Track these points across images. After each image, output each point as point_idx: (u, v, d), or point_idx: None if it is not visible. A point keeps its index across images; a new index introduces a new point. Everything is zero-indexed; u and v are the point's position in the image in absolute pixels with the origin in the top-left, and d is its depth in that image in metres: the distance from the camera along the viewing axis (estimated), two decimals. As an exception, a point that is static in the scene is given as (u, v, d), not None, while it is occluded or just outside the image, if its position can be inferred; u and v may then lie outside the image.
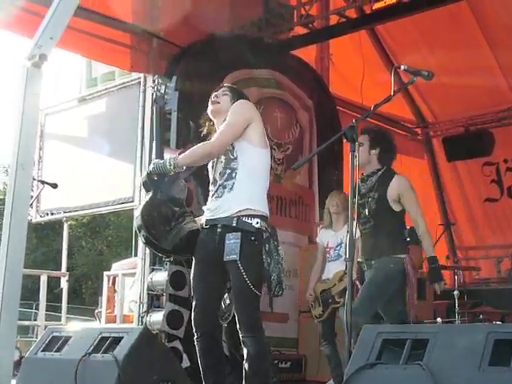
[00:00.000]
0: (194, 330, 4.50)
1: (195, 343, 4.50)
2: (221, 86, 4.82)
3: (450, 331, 3.45)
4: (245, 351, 4.36)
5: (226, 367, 4.59)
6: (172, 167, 4.54)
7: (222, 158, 4.55)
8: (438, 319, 8.00)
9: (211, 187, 4.62)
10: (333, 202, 7.29)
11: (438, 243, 9.16)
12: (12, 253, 3.90)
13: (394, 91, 4.60)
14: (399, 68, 4.79)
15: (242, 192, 4.45)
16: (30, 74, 4.20)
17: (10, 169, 4.11)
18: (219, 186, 4.54)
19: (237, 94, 4.73)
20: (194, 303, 4.50)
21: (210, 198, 4.60)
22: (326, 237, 7.35)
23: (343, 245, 7.11)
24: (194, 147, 4.55)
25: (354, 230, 4.42)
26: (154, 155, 7.93)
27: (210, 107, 4.72)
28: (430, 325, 6.33)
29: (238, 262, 4.32)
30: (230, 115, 4.53)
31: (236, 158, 4.49)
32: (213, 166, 4.62)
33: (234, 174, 4.48)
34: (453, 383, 3.12)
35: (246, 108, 4.62)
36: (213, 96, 4.72)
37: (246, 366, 4.34)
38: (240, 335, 4.38)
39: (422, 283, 8.76)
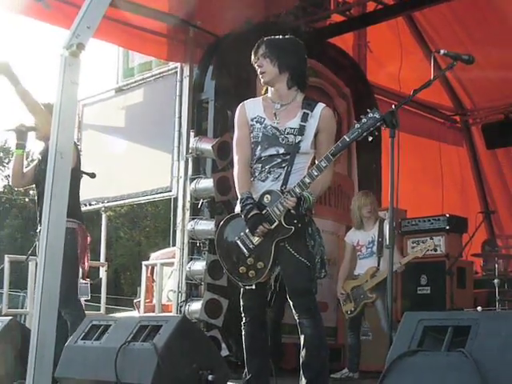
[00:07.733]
0: (242, 314, 4.47)
1: (242, 327, 4.48)
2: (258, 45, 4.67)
3: (492, 318, 3.39)
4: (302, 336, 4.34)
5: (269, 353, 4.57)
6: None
7: None
8: (479, 308, 7.92)
9: None
10: (366, 205, 7.34)
11: (477, 231, 9.03)
12: (52, 240, 3.93)
13: (433, 76, 4.52)
14: (438, 53, 4.67)
15: None
16: (67, 63, 4.22)
17: (49, 157, 4.14)
18: None
19: (277, 52, 4.60)
20: (242, 288, 4.46)
21: None
22: (356, 236, 7.44)
23: (376, 242, 7.16)
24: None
25: (393, 219, 4.33)
26: (190, 144, 8.05)
27: (261, 80, 4.58)
28: (471, 311, 6.25)
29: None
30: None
31: None
32: None
33: None
34: (496, 370, 3.07)
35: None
36: (256, 66, 4.58)
37: (304, 349, 4.32)
38: (297, 318, 4.35)
39: (461, 272, 8.69)
